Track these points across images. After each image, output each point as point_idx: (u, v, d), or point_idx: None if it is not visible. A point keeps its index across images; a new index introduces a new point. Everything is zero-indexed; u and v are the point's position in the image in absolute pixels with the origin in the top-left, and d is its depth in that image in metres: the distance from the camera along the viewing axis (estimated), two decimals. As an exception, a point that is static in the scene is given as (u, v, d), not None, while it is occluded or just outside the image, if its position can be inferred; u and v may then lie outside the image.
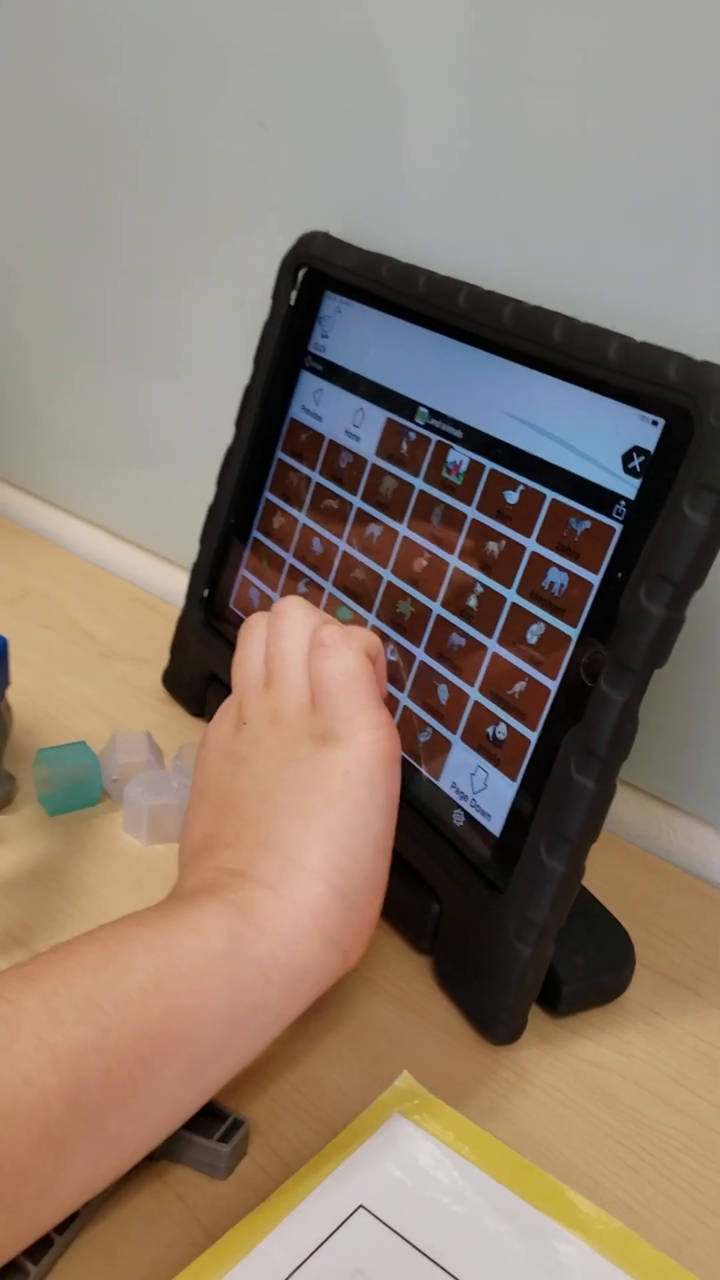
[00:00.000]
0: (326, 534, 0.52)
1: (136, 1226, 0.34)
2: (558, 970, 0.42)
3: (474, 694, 0.44)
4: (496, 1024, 0.41)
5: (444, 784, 0.45)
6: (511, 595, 0.42)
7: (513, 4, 0.48)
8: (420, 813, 0.45)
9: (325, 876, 0.35)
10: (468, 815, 0.43)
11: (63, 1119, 0.29)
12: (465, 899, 0.42)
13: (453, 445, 0.46)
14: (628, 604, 0.37)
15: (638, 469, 0.38)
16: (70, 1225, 0.33)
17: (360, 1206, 0.34)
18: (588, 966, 0.43)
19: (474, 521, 0.44)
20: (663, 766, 0.54)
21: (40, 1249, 0.32)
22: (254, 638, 0.41)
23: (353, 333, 0.52)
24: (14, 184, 0.74)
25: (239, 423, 0.57)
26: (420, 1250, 0.33)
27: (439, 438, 0.47)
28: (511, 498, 0.43)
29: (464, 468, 0.45)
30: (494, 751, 0.42)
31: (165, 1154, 0.36)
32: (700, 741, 0.52)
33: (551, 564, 0.41)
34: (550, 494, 0.41)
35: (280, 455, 0.56)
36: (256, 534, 0.57)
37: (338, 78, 0.55)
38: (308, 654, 0.38)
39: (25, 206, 0.75)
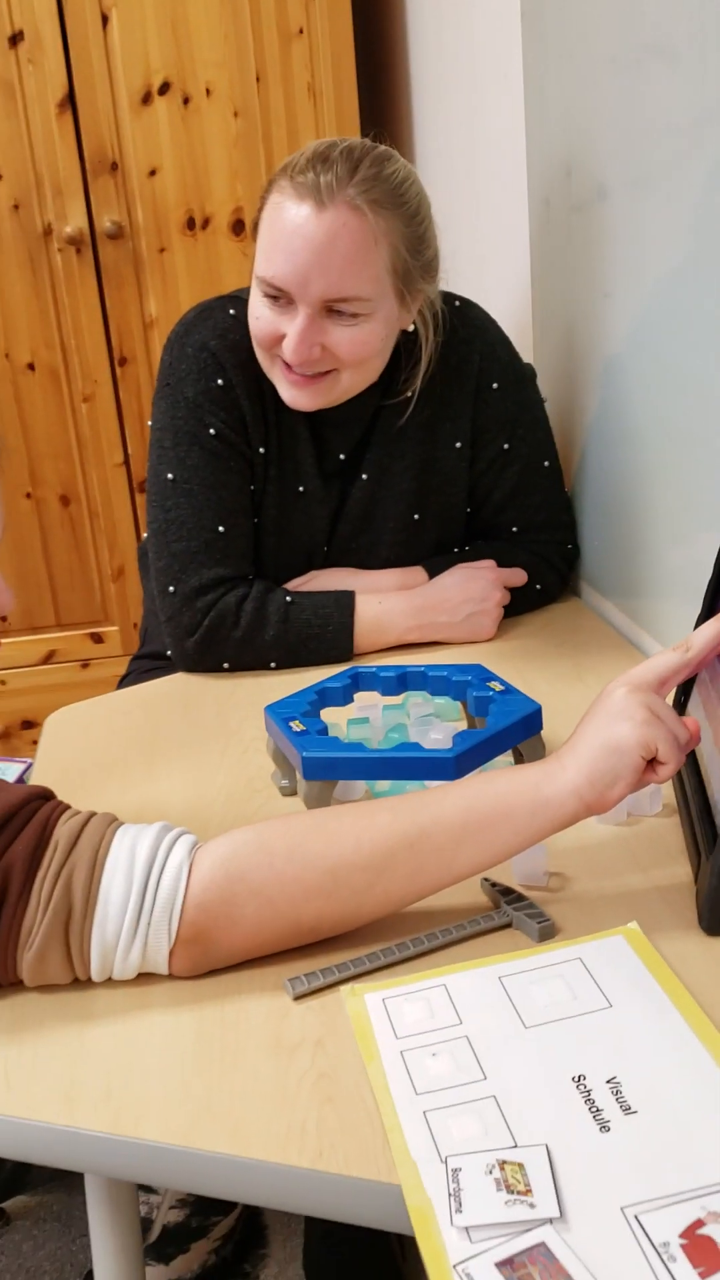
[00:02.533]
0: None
1: (488, 945, 0.78)
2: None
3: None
4: (705, 921, 0.78)
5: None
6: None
7: None
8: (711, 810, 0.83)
9: (587, 773, 0.75)
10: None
11: (461, 830, 0.75)
12: (708, 854, 0.79)
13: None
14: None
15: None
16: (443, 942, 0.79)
17: (578, 958, 0.75)
18: (769, 912, 0.77)
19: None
20: None
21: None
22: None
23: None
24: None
25: (705, 601, 0.98)
26: (604, 994, 0.72)
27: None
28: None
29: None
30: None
31: (515, 926, 0.79)
32: None
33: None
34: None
35: None
36: None
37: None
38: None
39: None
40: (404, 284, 1.21)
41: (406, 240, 1.19)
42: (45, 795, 0.77)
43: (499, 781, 0.77)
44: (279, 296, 1.18)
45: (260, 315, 1.21)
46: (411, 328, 1.29)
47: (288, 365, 1.22)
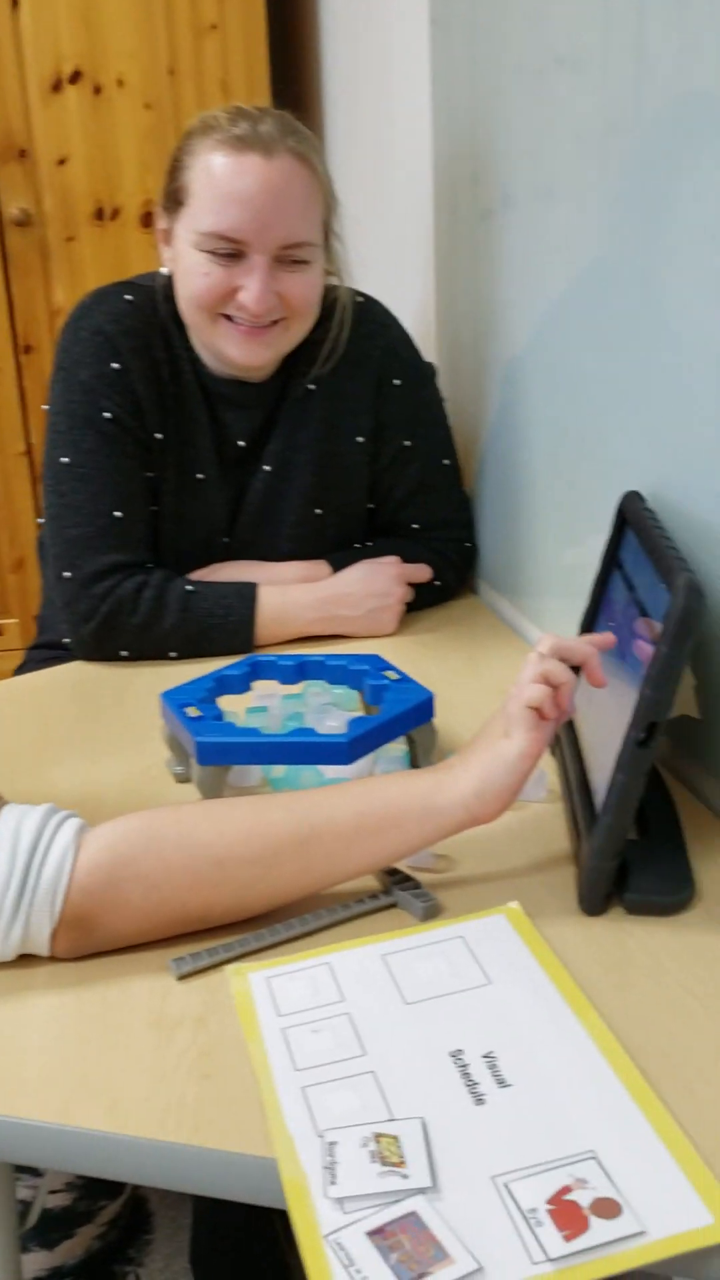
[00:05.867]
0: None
1: (374, 925, 0.79)
2: (630, 883, 0.79)
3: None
4: (584, 902, 0.79)
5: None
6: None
7: None
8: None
9: (475, 787, 0.77)
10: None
11: (352, 833, 0.76)
12: (584, 837, 0.81)
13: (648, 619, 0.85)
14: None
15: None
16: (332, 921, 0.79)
17: (460, 937, 0.76)
18: (649, 889, 0.79)
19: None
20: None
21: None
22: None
23: (629, 553, 0.93)
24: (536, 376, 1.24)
25: (591, 595, 1.00)
26: (484, 971, 0.74)
27: (641, 615, 0.86)
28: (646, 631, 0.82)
29: (642, 631, 0.85)
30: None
31: (400, 906, 0.80)
32: None
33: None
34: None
35: (604, 621, 0.98)
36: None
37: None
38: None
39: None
40: (328, 236, 1.27)
41: (329, 193, 1.25)
42: None
43: (392, 788, 0.78)
44: (229, 252, 1.19)
45: (208, 272, 1.21)
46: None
47: (232, 321, 1.23)
